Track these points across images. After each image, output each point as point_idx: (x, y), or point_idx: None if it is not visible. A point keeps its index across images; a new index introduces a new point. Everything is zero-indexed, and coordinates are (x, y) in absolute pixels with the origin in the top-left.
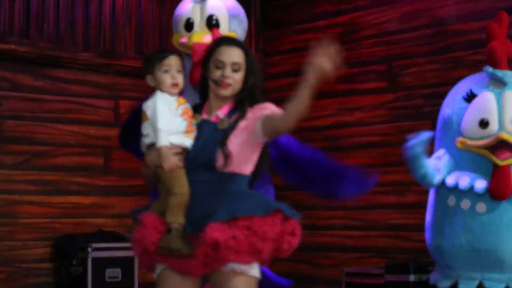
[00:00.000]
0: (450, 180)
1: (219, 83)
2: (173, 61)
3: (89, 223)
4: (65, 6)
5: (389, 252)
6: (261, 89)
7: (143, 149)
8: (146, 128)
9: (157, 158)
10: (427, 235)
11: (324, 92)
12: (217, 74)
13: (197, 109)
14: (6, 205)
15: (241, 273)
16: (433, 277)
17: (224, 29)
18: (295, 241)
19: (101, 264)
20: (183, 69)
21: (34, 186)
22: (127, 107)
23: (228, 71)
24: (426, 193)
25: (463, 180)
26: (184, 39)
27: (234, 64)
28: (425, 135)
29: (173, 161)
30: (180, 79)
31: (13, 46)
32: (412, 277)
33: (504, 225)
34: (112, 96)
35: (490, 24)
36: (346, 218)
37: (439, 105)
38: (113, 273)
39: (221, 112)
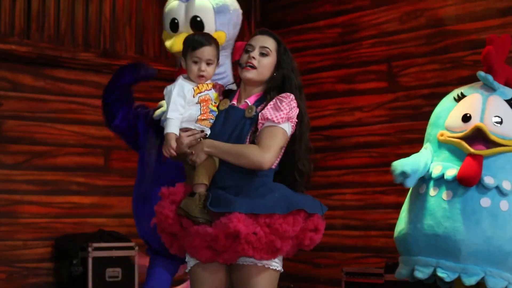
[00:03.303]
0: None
1: (243, 65)
2: (204, 53)
3: (89, 223)
4: (65, 6)
5: (388, 252)
6: (296, 85)
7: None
8: None
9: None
10: (397, 224)
11: (324, 92)
12: (244, 57)
13: (229, 94)
14: (6, 205)
15: (263, 268)
16: (396, 270)
17: (210, 29)
18: (318, 237)
19: (101, 264)
20: (216, 58)
21: (35, 186)
22: None
23: (255, 53)
24: None
25: (436, 168)
26: (168, 42)
27: (262, 48)
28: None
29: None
30: (208, 71)
31: (13, 46)
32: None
33: (465, 214)
34: None
35: (491, 35)
36: (345, 218)
37: None
38: (113, 273)
39: (250, 100)
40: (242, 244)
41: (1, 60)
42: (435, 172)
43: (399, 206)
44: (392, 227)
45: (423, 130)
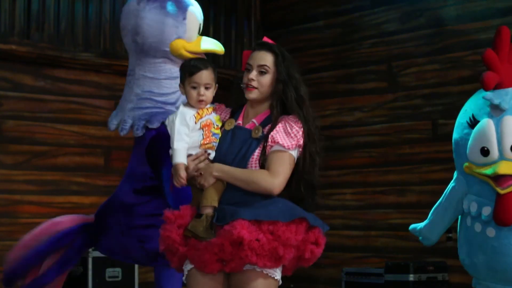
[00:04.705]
0: (464, 205)
1: (244, 86)
2: (202, 77)
3: None
4: (65, 6)
5: (388, 252)
6: (295, 97)
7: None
8: None
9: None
10: (458, 248)
11: (324, 92)
12: (245, 77)
13: (234, 113)
14: (6, 205)
15: (262, 275)
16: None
17: None
18: (318, 251)
19: (101, 264)
20: (214, 82)
21: (34, 186)
22: None
23: (253, 73)
24: (425, 193)
25: (473, 206)
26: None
27: (260, 66)
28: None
29: (184, 175)
30: (207, 95)
31: (13, 46)
32: (411, 277)
33: None
34: (112, 96)
35: (487, 51)
36: (345, 218)
37: (438, 105)
38: (113, 273)
39: (256, 120)
40: (246, 251)
41: (1, 60)
42: (472, 209)
43: (399, 206)
44: (392, 227)
45: (423, 130)
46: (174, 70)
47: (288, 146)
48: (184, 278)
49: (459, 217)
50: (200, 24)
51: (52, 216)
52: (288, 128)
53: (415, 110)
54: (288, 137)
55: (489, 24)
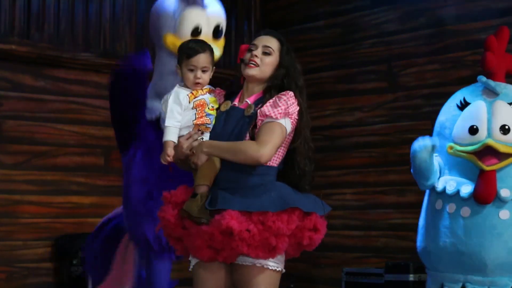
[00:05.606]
0: (439, 185)
1: (246, 61)
2: (200, 60)
3: (89, 223)
4: (65, 6)
5: (388, 252)
6: (296, 84)
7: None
8: None
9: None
10: (418, 238)
11: (324, 92)
12: (247, 55)
13: (231, 96)
14: (6, 205)
15: (262, 268)
16: (427, 281)
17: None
18: (318, 236)
19: None
20: (211, 65)
21: (34, 186)
22: None
23: (258, 52)
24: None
25: (450, 185)
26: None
27: (265, 47)
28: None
29: (174, 154)
30: (204, 77)
31: (13, 46)
32: (411, 277)
33: (487, 229)
34: None
35: (489, 36)
36: (345, 218)
37: (438, 105)
38: None
39: (250, 99)
40: (236, 241)
41: (1, 60)
42: (449, 188)
43: (399, 206)
44: (392, 227)
45: (423, 130)
46: (171, 65)
47: (275, 115)
48: (190, 269)
49: (425, 202)
50: (198, 26)
51: (52, 216)
52: (277, 100)
53: (415, 110)
54: (276, 108)
55: (489, 24)
